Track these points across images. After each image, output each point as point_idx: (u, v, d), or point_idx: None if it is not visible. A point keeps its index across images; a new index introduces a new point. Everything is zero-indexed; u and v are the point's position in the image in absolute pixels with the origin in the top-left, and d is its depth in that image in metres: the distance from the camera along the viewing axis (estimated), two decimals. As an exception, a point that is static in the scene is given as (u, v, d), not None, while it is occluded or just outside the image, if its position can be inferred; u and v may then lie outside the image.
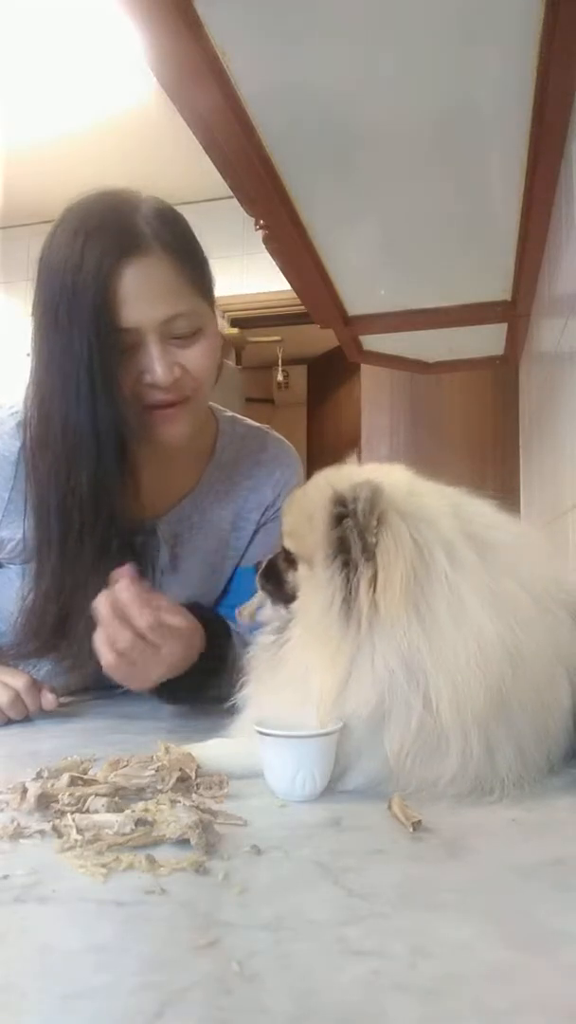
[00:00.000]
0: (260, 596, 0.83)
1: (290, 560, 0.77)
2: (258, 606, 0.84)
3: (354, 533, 0.67)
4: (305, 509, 0.74)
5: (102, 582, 0.96)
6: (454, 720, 0.63)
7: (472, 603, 0.66)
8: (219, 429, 1.21)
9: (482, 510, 0.75)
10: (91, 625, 0.92)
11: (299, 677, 0.69)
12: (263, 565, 0.82)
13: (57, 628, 0.99)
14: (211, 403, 1.24)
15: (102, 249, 0.92)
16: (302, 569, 0.74)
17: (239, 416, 1.28)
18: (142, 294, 0.93)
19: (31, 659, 1.04)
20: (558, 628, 0.71)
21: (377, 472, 0.75)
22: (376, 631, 0.65)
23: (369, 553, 0.66)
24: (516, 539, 0.74)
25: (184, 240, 1.00)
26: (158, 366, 0.96)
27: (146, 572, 1.09)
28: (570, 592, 0.76)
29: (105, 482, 0.96)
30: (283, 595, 0.78)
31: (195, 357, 0.99)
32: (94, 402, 0.93)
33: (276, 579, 0.79)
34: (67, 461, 0.96)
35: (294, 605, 0.75)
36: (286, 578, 0.77)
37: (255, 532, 1.19)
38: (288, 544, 0.76)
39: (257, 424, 1.29)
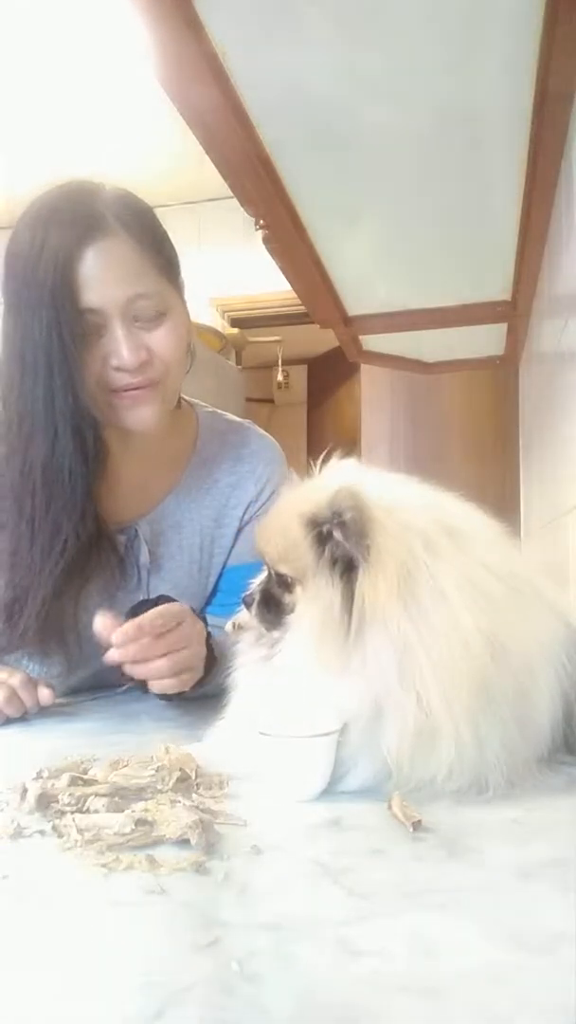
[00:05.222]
0: (247, 618, 0.81)
1: (285, 584, 0.75)
2: (243, 624, 0.82)
3: (350, 544, 0.67)
4: (289, 534, 0.73)
5: (79, 581, 0.98)
6: (445, 715, 0.63)
7: (452, 593, 0.65)
8: (199, 425, 1.21)
9: (447, 498, 0.75)
10: (73, 627, 0.93)
11: (298, 686, 0.68)
12: (257, 597, 0.79)
13: (34, 623, 0.99)
14: (193, 400, 1.24)
15: (62, 233, 0.92)
16: (298, 589, 0.74)
17: (220, 411, 1.26)
18: (103, 275, 0.93)
19: (9, 652, 1.03)
20: (528, 610, 0.71)
21: (340, 475, 0.75)
22: (368, 630, 0.65)
23: (365, 557, 0.66)
24: (481, 526, 0.74)
25: (146, 222, 1.00)
26: (124, 348, 0.95)
27: (131, 572, 1.09)
28: (532, 572, 0.76)
29: (60, 469, 0.95)
30: (281, 619, 0.76)
31: (161, 339, 0.99)
32: (51, 388, 0.93)
33: (276, 607, 0.77)
34: (23, 448, 0.96)
35: (288, 618, 0.74)
36: (284, 602, 0.76)
37: (239, 530, 1.18)
38: (283, 569, 0.75)
39: (238, 419, 1.27)
